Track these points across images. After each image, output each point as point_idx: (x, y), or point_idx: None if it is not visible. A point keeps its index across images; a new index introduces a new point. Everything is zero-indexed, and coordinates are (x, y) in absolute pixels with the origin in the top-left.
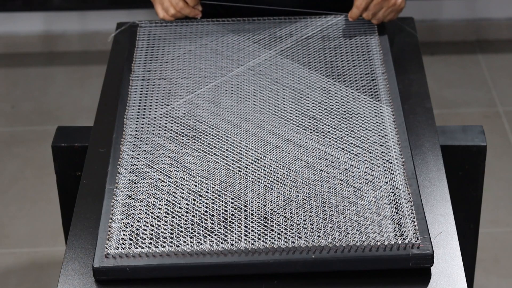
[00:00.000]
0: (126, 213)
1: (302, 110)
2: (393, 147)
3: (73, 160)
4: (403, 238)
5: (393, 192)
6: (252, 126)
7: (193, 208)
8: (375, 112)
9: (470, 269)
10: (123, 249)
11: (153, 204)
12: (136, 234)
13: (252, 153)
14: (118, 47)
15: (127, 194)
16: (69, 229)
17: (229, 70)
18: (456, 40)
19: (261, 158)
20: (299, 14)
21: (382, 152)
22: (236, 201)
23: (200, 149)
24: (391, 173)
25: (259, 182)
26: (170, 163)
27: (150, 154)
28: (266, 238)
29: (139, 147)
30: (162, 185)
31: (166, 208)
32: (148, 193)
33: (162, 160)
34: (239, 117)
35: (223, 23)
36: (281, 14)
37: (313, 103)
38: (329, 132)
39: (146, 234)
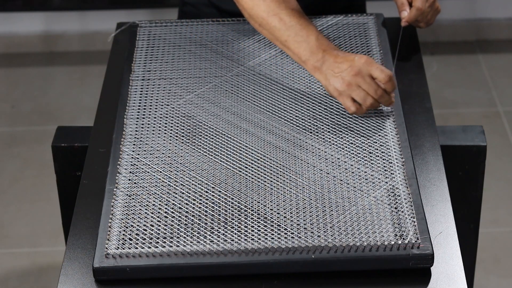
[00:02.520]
0: (126, 213)
1: (302, 110)
2: (393, 147)
3: (73, 160)
4: (403, 238)
5: (393, 192)
6: (252, 126)
7: (193, 208)
8: (375, 112)
9: (470, 269)
10: (123, 249)
11: (153, 204)
12: (136, 234)
13: (252, 153)
14: (118, 47)
15: (127, 194)
16: (69, 229)
17: (229, 70)
18: (456, 40)
19: (261, 158)
20: None
21: (382, 152)
22: (236, 201)
23: (200, 149)
24: (391, 173)
25: (259, 182)
26: (170, 163)
27: (150, 154)
28: (266, 238)
29: (139, 147)
30: (162, 185)
31: (166, 208)
32: (148, 193)
33: (162, 160)
34: (239, 117)
35: (223, 23)
36: None
37: (313, 103)
38: (329, 132)
39: (146, 234)
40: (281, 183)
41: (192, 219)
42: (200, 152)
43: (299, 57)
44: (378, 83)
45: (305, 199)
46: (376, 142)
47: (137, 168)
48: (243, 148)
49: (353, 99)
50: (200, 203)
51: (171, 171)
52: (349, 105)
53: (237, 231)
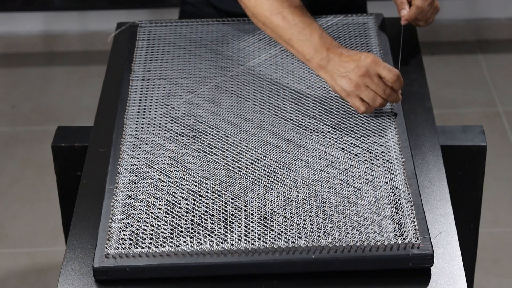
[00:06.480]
0: (126, 213)
1: (302, 110)
2: (393, 147)
3: (73, 160)
4: (403, 238)
5: (393, 192)
6: (252, 126)
7: (193, 208)
8: (375, 112)
9: (470, 269)
10: (123, 249)
11: (153, 204)
12: (136, 234)
13: (252, 153)
14: (118, 47)
15: (127, 194)
16: (69, 229)
17: (229, 70)
18: (456, 40)
19: (261, 158)
20: None
21: (382, 152)
22: (236, 201)
23: (200, 149)
24: (391, 173)
25: (259, 182)
26: (170, 163)
27: (150, 154)
28: (266, 238)
29: (139, 147)
30: (162, 185)
31: (166, 208)
32: (148, 193)
33: (162, 160)
34: (239, 117)
35: (223, 23)
36: None
37: (313, 103)
38: (329, 132)
39: (146, 234)
40: (281, 183)
41: (192, 219)
42: (200, 152)
43: (303, 55)
44: (386, 82)
45: (305, 199)
46: (376, 142)
47: (137, 168)
48: (243, 148)
49: (361, 99)
50: (200, 203)
51: (171, 171)
52: (358, 105)
53: (237, 231)
